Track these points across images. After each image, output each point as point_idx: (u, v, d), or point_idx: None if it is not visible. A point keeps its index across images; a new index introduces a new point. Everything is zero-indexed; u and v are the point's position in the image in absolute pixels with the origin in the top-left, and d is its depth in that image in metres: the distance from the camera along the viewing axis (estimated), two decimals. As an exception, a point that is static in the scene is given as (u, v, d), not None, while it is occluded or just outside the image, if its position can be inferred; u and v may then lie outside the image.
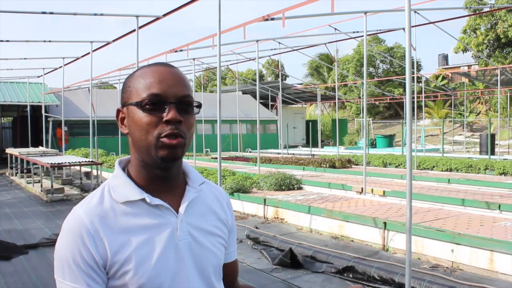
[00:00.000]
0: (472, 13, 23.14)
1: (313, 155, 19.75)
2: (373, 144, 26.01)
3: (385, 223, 5.91)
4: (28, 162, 13.25)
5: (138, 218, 1.10)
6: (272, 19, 8.61)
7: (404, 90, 28.18)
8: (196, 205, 1.19)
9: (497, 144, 19.86)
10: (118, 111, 1.17)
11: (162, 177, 1.14)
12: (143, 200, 1.11)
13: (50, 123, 20.98)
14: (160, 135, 1.08)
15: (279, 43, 14.02)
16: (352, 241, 6.31)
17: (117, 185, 1.13)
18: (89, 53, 13.31)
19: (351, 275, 4.76)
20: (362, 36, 10.35)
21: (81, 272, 1.04)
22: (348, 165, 14.32)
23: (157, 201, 1.11)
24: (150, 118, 1.08)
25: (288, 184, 9.43)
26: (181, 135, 1.09)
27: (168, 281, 1.09)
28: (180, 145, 1.09)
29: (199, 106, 1.15)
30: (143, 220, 1.10)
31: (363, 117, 16.03)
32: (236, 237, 1.36)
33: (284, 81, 29.78)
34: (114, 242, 1.06)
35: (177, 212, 1.14)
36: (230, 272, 1.34)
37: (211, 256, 1.18)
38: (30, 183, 12.48)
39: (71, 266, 1.04)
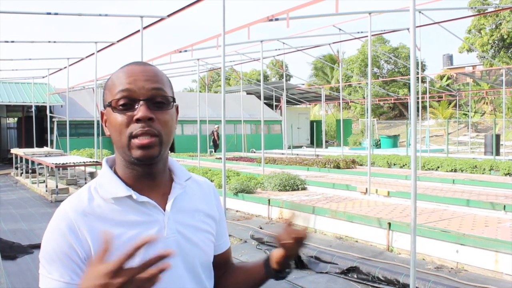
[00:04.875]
0: (477, 13, 23.07)
1: (318, 155, 19.73)
2: (377, 145, 25.97)
3: (389, 223, 5.90)
4: (33, 162, 13.30)
5: (124, 215, 1.09)
6: (277, 19, 8.61)
7: (409, 91, 28.11)
8: (183, 202, 1.18)
9: (502, 144, 19.79)
10: (102, 114, 1.15)
11: (147, 175, 1.13)
12: (130, 197, 1.10)
13: (55, 124, 21.06)
14: (132, 135, 1.06)
15: (283, 43, 14.01)
16: (357, 241, 6.30)
17: (104, 183, 1.12)
18: (93, 53, 13.35)
19: (355, 276, 4.76)
20: (367, 36, 10.34)
21: (64, 265, 1.03)
22: (352, 165, 14.30)
23: (143, 198, 1.11)
24: (121, 117, 1.07)
25: (293, 185, 9.43)
26: (153, 133, 1.06)
27: None
28: (154, 144, 1.07)
29: (170, 100, 1.11)
30: (130, 217, 1.09)
31: (367, 118, 16.01)
32: (226, 226, 1.36)
33: (288, 82, 29.78)
34: (97, 239, 1.05)
35: (164, 209, 1.13)
36: (224, 261, 1.34)
37: (200, 252, 1.17)
38: (35, 183, 12.53)
39: (54, 259, 1.04)
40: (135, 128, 1.06)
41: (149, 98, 1.07)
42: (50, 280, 1.04)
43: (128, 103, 1.07)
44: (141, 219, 1.10)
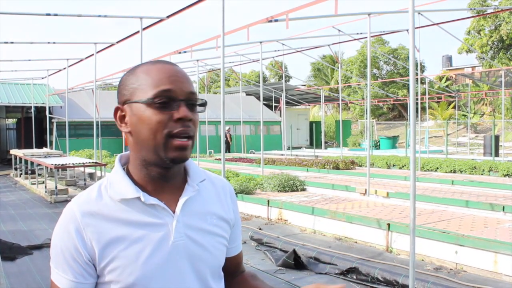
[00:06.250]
0: (476, 14, 23.11)
1: (317, 156, 19.74)
2: (376, 146, 25.96)
3: (388, 224, 5.91)
4: (32, 163, 13.29)
5: (132, 216, 1.08)
6: (276, 20, 8.63)
7: (408, 92, 28.09)
8: (195, 204, 1.15)
9: (501, 145, 19.79)
10: (117, 109, 1.12)
11: (162, 177, 1.11)
12: (139, 198, 1.08)
13: (54, 124, 21.06)
14: (170, 134, 1.05)
15: (283, 44, 14.04)
16: (356, 242, 6.30)
17: (114, 182, 1.11)
18: (93, 54, 13.36)
19: (354, 277, 4.76)
20: (366, 37, 10.35)
21: (68, 264, 1.06)
22: (351, 166, 14.31)
23: (152, 200, 1.09)
24: (160, 116, 1.05)
25: (292, 186, 9.44)
26: (191, 134, 1.07)
27: (158, 282, 1.07)
28: (189, 147, 1.08)
29: (205, 104, 1.13)
30: (137, 218, 1.08)
31: (366, 119, 16.02)
32: (240, 230, 1.34)
33: (287, 83, 29.80)
34: (103, 239, 1.05)
35: (174, 212, 1.11)
36: (234, 265, 1.33)
37: (208, 257, 1.14)
38: (34, 184, 12.52)
39: (60, 257, 1.07)
40: (175, 127, 1.05)
41: (186, 99, 1.08)
42: (57, 274, 1.08)
43: (168, 102, 1.06)
44: (149, 220, 1.09)
